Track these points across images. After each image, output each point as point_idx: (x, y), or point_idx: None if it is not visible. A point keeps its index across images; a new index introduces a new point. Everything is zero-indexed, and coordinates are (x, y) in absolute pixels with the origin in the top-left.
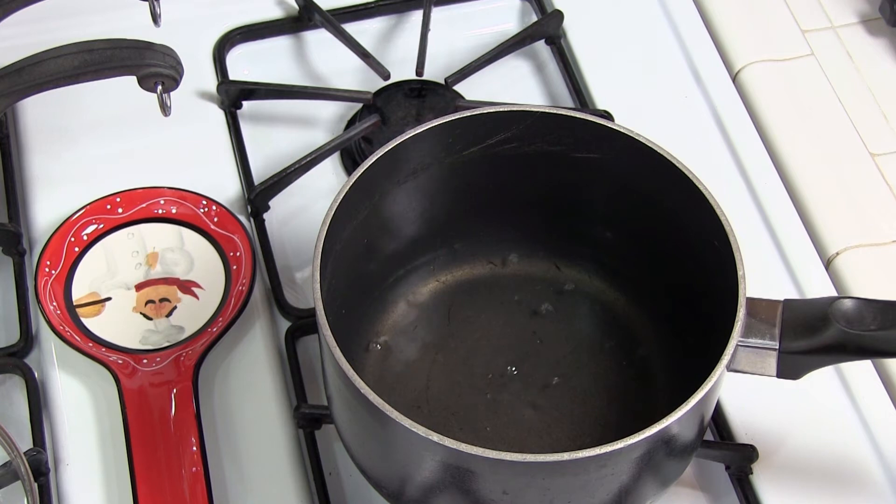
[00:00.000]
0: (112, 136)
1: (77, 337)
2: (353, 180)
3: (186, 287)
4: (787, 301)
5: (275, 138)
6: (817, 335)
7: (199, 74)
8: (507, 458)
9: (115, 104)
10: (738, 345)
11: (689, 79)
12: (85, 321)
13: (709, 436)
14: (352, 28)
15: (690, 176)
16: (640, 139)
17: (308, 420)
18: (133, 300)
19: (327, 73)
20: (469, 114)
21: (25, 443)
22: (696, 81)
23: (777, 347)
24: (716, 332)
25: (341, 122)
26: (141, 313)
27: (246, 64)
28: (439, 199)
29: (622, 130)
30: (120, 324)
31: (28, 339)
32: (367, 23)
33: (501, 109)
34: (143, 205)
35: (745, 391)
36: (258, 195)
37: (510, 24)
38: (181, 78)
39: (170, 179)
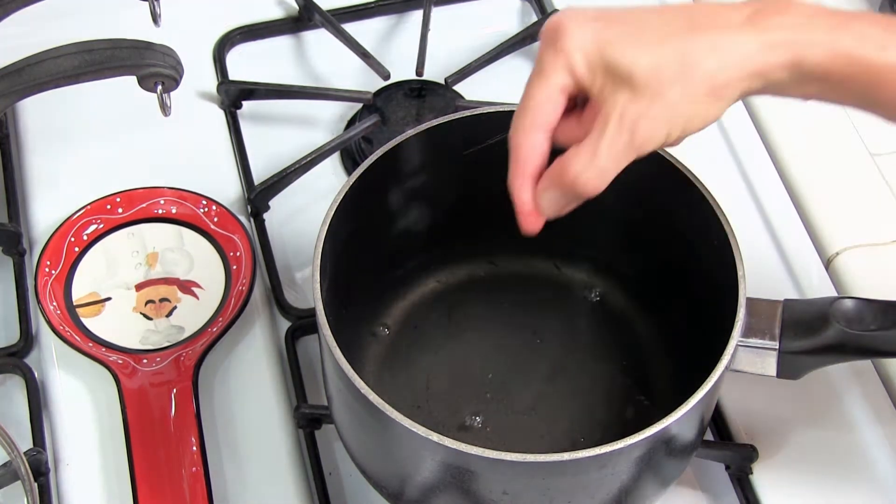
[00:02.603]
0: (112, 136)
1: (77, 337)
2: (353, 180)
3: (186, 287)
4: (787, 301)
5: (275, 138)
6: (817, 335)
7: (199, 74)
8: (507, 458)
9: (115, 104)
10: (738, 345)
11: None
12: (85, 321)
13: (709, 436)
14: (352, 28)
15: (690, 176)
16: None
17: (308, 420)
18: (133, 300)
19: (327, 73)
20: (469, 114)
21: (25, 443)
22: None
23: (777, 347)
24: (716, 332)
25: (341, 122)
26: (141, 313)
27: (246, 64)
28: (439, 199)
29: None
30: (120, 324)
31: (28, 339)
32: (367, 23)
33: (501, 109)
34: (143, 205)
35: (745, 391)
36: (258, 195)
37: (510, 24)
38: (181, 78)
39: (170, 179)
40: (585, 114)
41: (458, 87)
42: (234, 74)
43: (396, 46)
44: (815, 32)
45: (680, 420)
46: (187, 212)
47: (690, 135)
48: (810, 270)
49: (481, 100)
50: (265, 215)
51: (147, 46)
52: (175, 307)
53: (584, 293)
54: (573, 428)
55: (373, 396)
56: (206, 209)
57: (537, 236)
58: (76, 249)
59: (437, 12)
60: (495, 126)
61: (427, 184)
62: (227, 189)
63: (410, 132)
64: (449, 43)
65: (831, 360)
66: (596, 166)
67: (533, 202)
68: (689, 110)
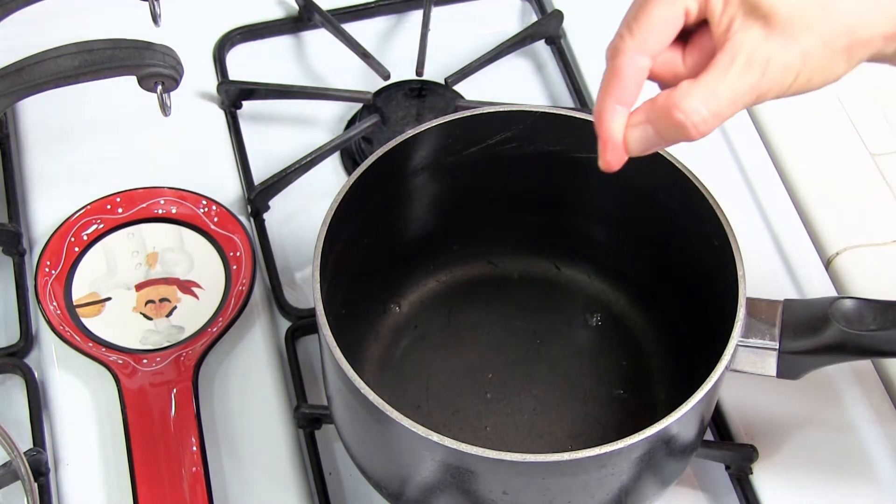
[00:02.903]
0: (112, 136)
1: (77, 337)
2: (353, 180)
3: (186, 287)
4: (787, 301)
5: (275, 138)
6: (817, 335)
7: (199, 74)
8: (507, 458)
9: (115, 104)
10: (738, 345)
11: None
12: (85, 321)
13: (709, 436)
14: (352, 28)
15: (690, 176)
16: None
17: (308, 420)
18: (133, 300)
19: (327, 73)
20: (469, 114)
21: (25, 443)
22: None
23: (777, 347)
24: (716, 332)
25: (341, 122)
26: (141, 313)
27: (246, 64)
28: (439, 199)
29: None
30: (120, 324)
31: (28, 339)
32: (367, 23)
33: (501, 109)
34: (143, 205)
35: (745, 391)
36: (258, 195)
37: (510, 24)
38: (181, 78)
39: (170, 179)
40: (693, 47)
41: (458, 87)
42: (234, 74)
43: (396, 46)
44: None
45: (680, 420)
46: (187, 212)
47: (805, 92)
48: (810, 270)
49: (481, 100)
50: (265, 215)
51: (147, 46)
52: (175, 307)
53: (584, 293)
54: (573, 428)
55: (373, 396)
56: (206, 209)
57: (537, 236)
58: (76, 249)
59: (437, 12)
60: (495, 126)
61: (427, 184)
62: (227, 189)
63: (410, 132)
64: (449, 43)
65: (831, 360)
66: (712, 106)
67: (622, 133)
68: (820, 62)
